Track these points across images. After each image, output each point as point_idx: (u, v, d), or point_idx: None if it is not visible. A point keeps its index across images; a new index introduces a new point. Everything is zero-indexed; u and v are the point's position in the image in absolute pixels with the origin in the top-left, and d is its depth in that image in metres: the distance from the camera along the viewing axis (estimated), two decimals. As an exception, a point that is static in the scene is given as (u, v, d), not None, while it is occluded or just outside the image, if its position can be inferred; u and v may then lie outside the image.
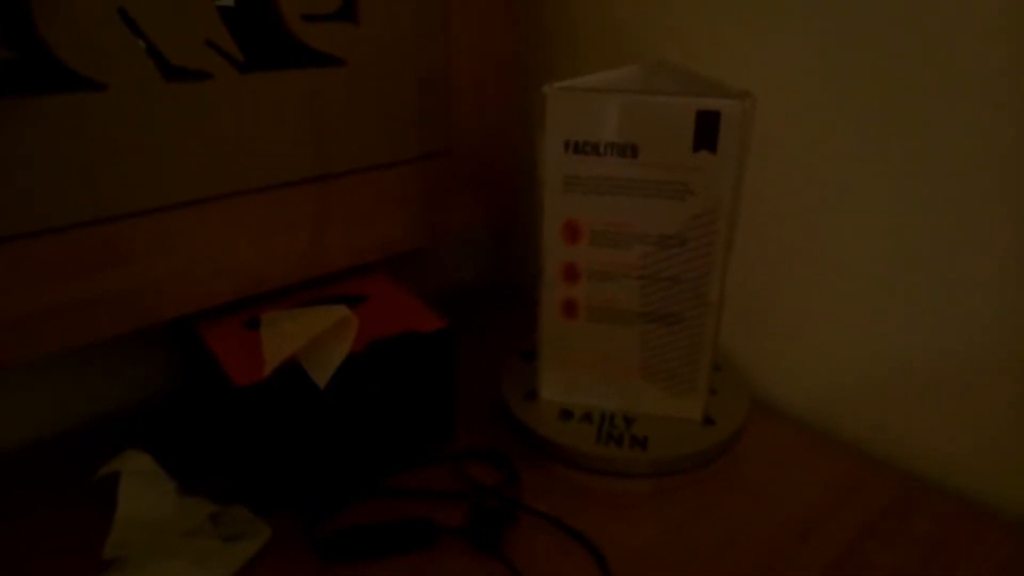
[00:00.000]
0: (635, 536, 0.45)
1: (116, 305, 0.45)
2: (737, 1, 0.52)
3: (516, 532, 0.45)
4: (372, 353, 0.47)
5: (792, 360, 0.57)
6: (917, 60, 0.46)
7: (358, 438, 0.48)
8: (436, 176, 0.58)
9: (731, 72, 0.54)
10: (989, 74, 0.43)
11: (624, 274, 0.49)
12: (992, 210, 0.45)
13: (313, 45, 0.48)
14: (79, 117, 0.40)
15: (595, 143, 0.45)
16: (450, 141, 0.58)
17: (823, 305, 0.55)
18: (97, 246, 0.44)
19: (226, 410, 0.46)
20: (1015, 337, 0.46)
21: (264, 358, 0.43)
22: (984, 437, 0.49)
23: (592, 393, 0.53)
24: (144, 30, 0.42)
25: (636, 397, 0.52)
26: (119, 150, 0.43)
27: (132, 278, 0.45)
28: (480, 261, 0.78)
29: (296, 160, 0.50)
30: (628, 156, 0.45)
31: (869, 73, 0.48)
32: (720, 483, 0.50)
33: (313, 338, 0.42)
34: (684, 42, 0.56)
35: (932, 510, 0.48)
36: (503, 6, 0.58)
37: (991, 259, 0.46)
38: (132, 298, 0.46)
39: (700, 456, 0.50)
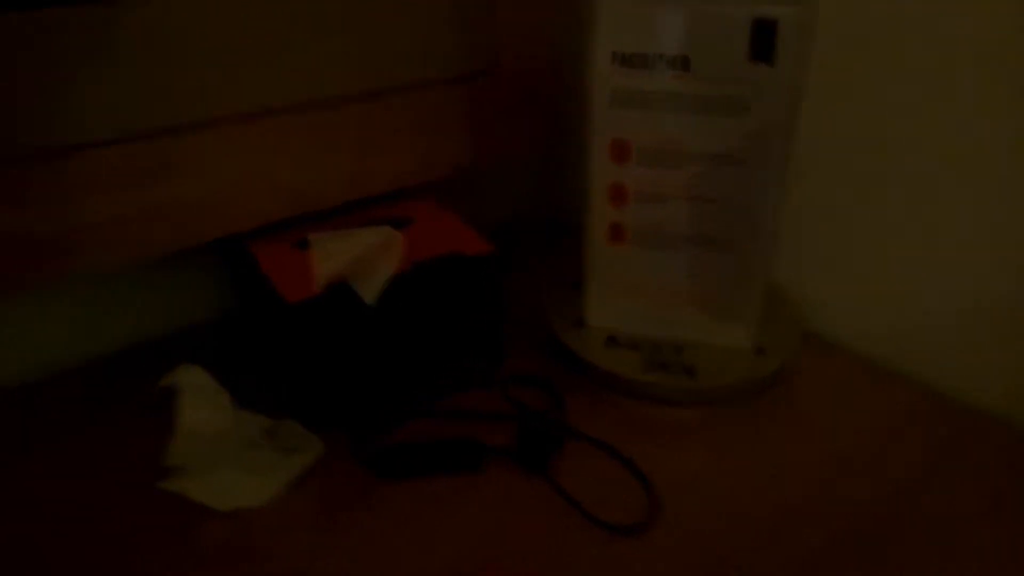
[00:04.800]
0: (681, 464, 0.45)
1: (166, 221, 0.46)
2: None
3: (562, 456, 0.46)
4: (417, 274, 0.47)
5: (850, 292, 0.55)
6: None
7: (406, 358, 0.49)
8: (480, 95, 0.57)
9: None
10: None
11: (674, 195, 0.47)
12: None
13: (356, -41, 0.48)
14: (120, 25, 0.41)
15: (644, 55, 0.44)
16: (494, 58, 0.57)
17: (890, 236, 0.52)
18: (145, 160, 0.44)
19: (277, 327, 0.47)
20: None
21: (313, 276, 0.43)
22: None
23: (639, 320, 0.52)
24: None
25: (684, 324, 0.51)
26: (161, 60, 0.43)
27: (182, 193, 0.46)
28: (528, 192, 0.77)
29: (340, 75, 0.50)
30: (679, 68, 0.44)
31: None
32: (771, 414, 0.49)
33: (360, 256, 0.43)
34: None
35: (995, 445, 0.46)
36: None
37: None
38: (182, 214, 0.46)
39: (750, 386, 0.49)
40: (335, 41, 0.49)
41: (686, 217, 0.48)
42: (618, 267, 0.51)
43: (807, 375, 0.52)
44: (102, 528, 0.41)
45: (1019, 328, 0.48)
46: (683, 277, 0.50)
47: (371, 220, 0.52)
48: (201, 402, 0.46)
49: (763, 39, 0.41)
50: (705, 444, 0.46)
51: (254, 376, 0.51)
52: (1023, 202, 0.45)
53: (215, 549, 0.40)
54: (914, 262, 0.51)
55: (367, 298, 0.43)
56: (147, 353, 0.55)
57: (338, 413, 0.47)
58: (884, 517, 0.41)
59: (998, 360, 0.49)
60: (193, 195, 0.46)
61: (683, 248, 0.49)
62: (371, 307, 0.43)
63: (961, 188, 0.48)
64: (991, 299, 0.49)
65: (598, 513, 0.42)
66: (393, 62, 0.52)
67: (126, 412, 0.49)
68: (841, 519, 0.41)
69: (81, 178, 0.42)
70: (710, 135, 0.45)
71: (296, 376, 0.47)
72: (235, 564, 0.39)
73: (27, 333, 0.52)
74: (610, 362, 0.50)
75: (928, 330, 0.52)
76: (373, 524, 0.41)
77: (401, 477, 0.44)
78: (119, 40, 0.41)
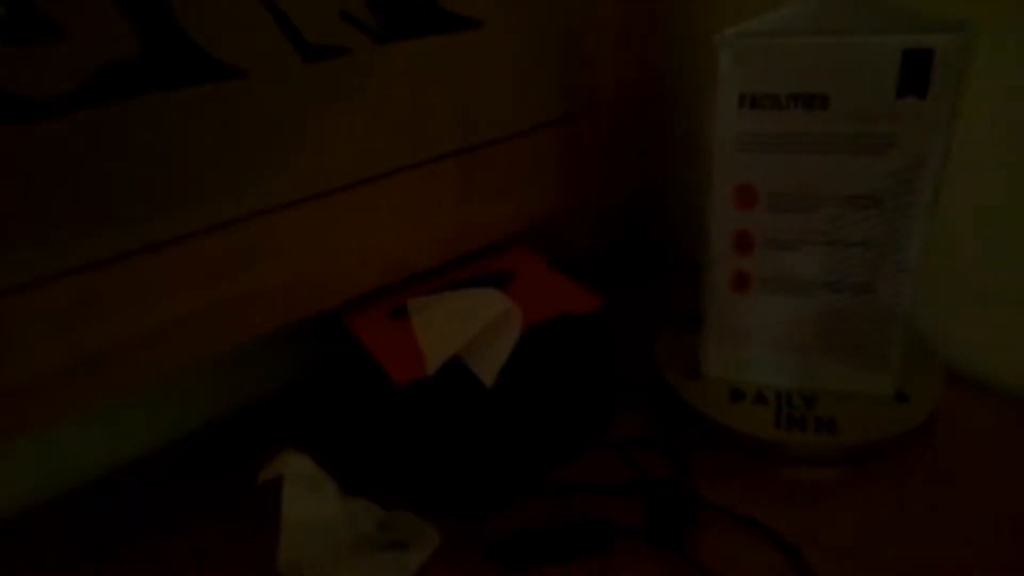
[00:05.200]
0: (831, 533, 0.41)
1: (266, 302, 0.43)
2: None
3: (696, 529, 0.42)
4: (528, 340, 0.43)
5: (998, 326, 0.50)
6: None
7: (518, 430, 0.45)
8: (578, 139, 0.53)
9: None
10: None
11: (806, 240, 0.43)
12: None
13: (449, 8, 0.44)
14: (220, 107, 0.38)
15: (776, 95, 0.40)
16: (593, 100, 0.53)
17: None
18: (235, 246, 0.41)
19: (385, 409, 0.44)
20: None
21: (424, 354, 0.40)
22: None
23: (765, 370, 0.48)
24: (280, 6, 0.38)
25: (816, 373, 0.47)
26: (261, 141, 0.40)
27: (281, 273, 0.43)
28: (612, 221, 0.73)
29: (437, 134, 0.46)
30: (816, 108, 0.39)
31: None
32: (922, 468, 0.44)
33: (476, 333, 0.39)
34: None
35: None
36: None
37: None
38: (281, 293, 0.43)
39: (899, 439, 0.45)
40: (429, 99, 0.45)
41: (820, 262, 0.43)
42: (742, 316, 0.47)
43: (956, 421, 0.47)
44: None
45: None
46: (816, 323, 0.46)
47: (467, 279, 0.49)
48: (305, 494, 0.43)
49: (915, 71, 0.37)
50: (852, 508, 0.42)
51: (357, 457, 0.47)
52: None
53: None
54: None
55: (486, 379, 0.40)
56: (232, 431, 0.52)
57: (452, 495, 0.44)
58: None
59: None
60: (284, 277, 0.43)
61: (816, 294, 0.45)
62: (489, 388, 0.40)
63: None
64: None
65: (749, 598, 0.38)
66: (489, 114, 0.48)
67: (223, 501, 0.46)
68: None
69: (179, 269, 0.39)
70: (848, 175, 0.41)
71: (405, 459, 0.43)
72: None
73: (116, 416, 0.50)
74: (738, 420, 0.46)
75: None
76: (506, 623, 0.38)
77: (526, 567, 0.41)
78: (214, 120, 0.38)
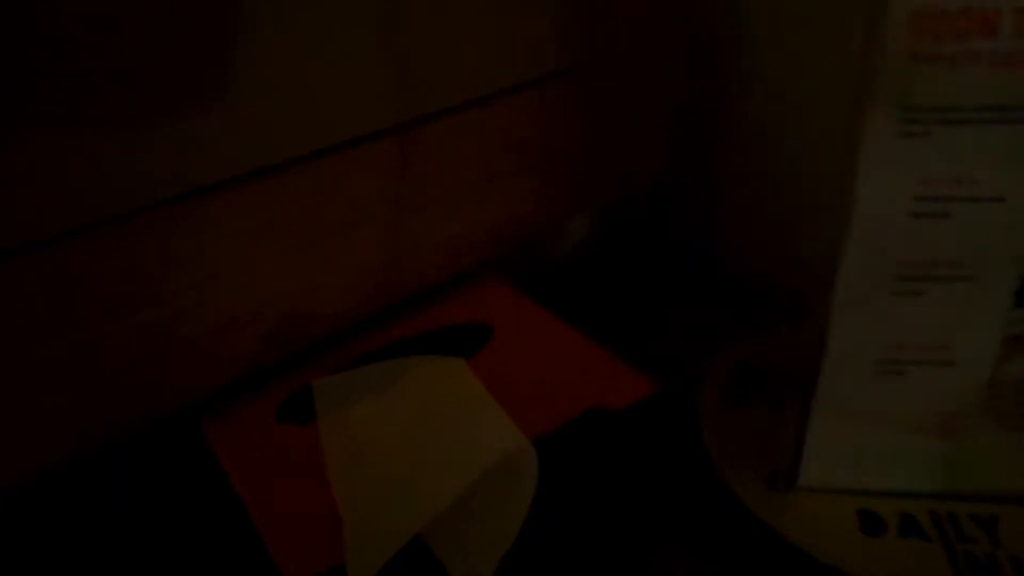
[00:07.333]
0: None
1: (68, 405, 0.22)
2: None
3: None
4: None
5: None
6: None
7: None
8: (584, 101, 0.33)
9: None
10: None
11: None
12: None
13: None
14: None
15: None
16: (605, 41, 0.33)
17: None
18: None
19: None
20: None
21: (345, 529, 0.20)
22: None
23: (887, 468, 0.30)
24: None
25: (977, 461, 0.29)
26: None
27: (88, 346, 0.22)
28: (610, 220, 0.51)
29: (364, 103, 0.26)
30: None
31: None
32: None
33: (455, 504, 0.19)
34: None
35: None
36: None
37: None
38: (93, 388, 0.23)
39: None
40: (356, 50, 0.25)
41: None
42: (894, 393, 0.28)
43: None
44: None
45: None
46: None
47: (412, 337, 0.29)
48: None
49: None
50: None
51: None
52: None
53: None
54: None
55: (470, 586, 0.20)
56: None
57: None
58: None
59: None
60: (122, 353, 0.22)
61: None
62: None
63: None
64: None
65: None
66: (446, 66, 0.28)
67: None
68: None
69: None
70: None
71: None
72: None
73: None
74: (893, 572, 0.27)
75: None
76: None
77: None
78: None
